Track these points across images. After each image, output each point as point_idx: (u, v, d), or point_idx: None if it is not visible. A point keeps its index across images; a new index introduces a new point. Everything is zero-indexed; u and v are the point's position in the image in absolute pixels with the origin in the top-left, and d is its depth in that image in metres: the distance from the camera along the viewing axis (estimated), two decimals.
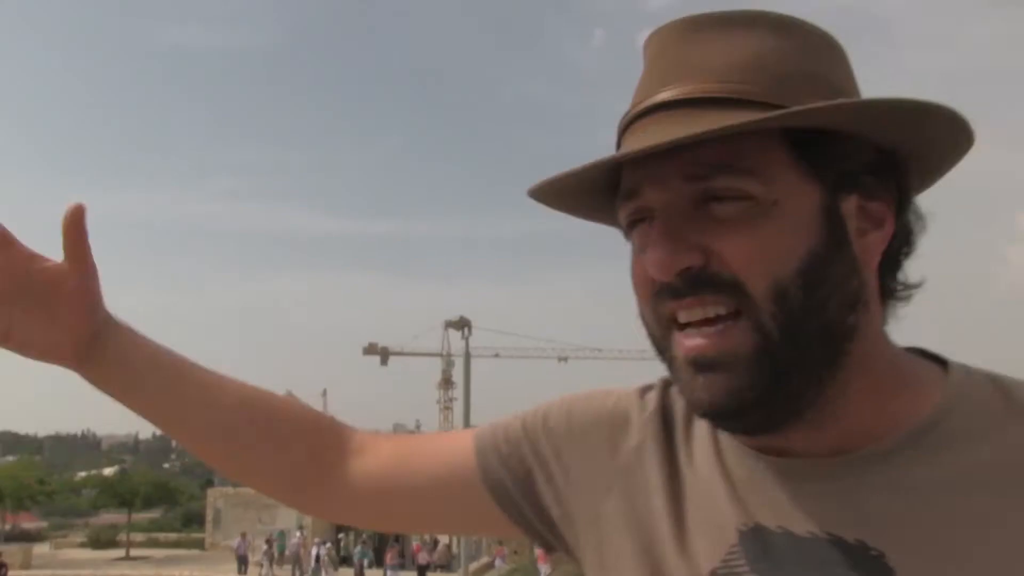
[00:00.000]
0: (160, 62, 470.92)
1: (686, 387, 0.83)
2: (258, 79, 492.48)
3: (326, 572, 34.27)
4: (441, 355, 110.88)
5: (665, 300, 0.83)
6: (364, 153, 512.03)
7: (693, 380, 0.81)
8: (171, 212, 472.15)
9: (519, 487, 1.01)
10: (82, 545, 51.26)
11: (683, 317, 0.82)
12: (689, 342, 0.81)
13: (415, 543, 39.88)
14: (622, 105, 0.89)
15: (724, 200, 0.79)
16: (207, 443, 1.15)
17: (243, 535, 38.27)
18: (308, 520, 44.26)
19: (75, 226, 1.02)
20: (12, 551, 42.58)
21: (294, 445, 1.13)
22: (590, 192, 0.90)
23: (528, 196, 0.91)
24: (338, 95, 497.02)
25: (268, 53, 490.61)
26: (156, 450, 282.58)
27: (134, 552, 45.73)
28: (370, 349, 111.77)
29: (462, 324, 20.72)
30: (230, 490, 53.22)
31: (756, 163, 0.79)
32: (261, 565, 36.82)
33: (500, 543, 37.89)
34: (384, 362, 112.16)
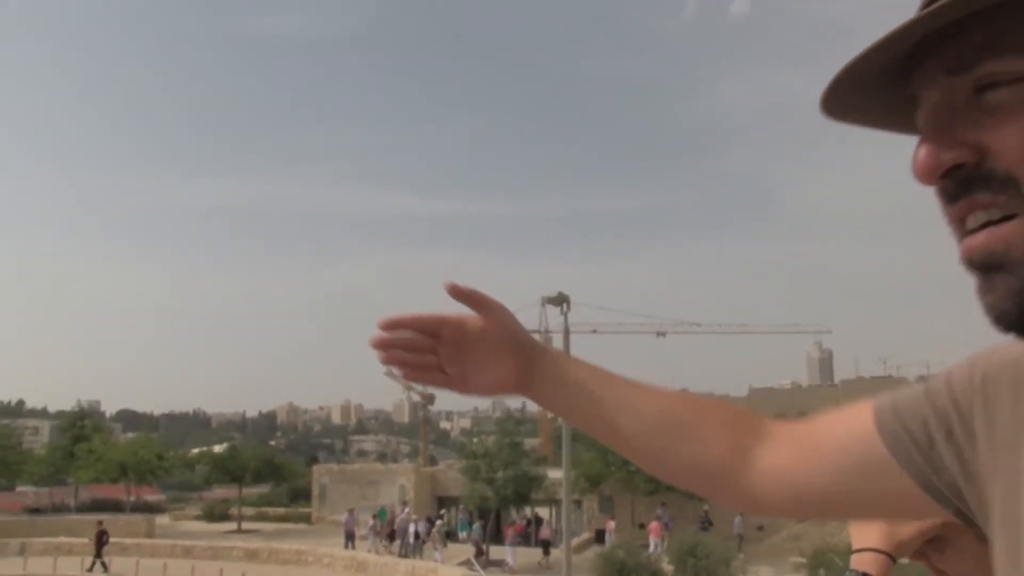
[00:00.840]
0: (254, 51, 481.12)
1: (978, 295, 0.76)
2: (347, 65, 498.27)
3: (435, 547, 34.88)
4: (539, 331, 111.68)
5: (944, 207, 0.77)
6: (455, 133, 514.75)
7: (979, 285, 0.75)
8: (273, 196, 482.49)
9: (920, 447, 0.95)
10: (197, 518, 53.30)
11: (970, 223, 0.75)
12: (964, 243, 0.75)
13: (517, 522, 40.56)
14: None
15: (996, 87, 0.71)
16: (635, 445, 1.22)
17: (351, 511, 38.90)
18: (411, 496, 45.48)
19: (459, 294, 1.24)
20: (137, 521, 44.85)
21: (711, 439, 1.16)
22: (887, 106, 0.83)
23: (824, 113, 0.83)
24: (426, 77, 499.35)
25: (357, 38, 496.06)
26: (262, 428, 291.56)
27: (245, 525, 47.34)
28: None
29: (560, 300, 20.75)
30: (334, 467, 54.94)
31: None
32: (366, 539, 37.81)
33: (612, 516, 38.21)
34: None
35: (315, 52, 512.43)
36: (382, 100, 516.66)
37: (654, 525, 37.15)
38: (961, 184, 0.74)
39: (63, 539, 40.79)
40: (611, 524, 37.56)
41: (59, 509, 54.26)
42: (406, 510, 40.24)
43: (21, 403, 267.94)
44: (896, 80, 0.79)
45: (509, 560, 34.00)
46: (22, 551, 38.56)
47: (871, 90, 0.80)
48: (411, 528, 36.59)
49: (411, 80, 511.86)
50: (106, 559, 34.74)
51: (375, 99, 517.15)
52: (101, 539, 35.35)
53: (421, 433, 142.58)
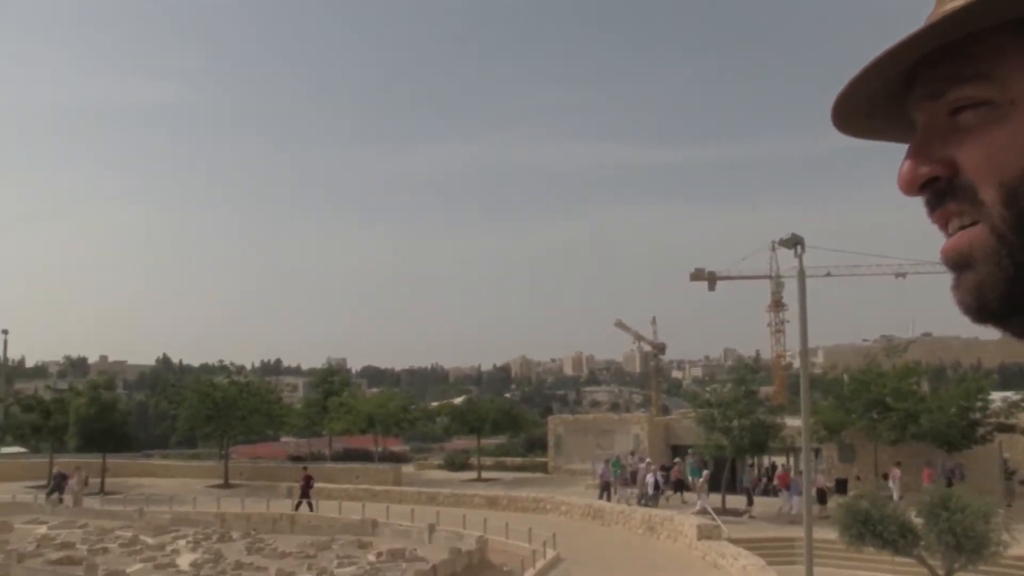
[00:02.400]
0: (455, 16, 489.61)
1: (951, 290, 0.85)
2: (554, 21, 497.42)
3: (700, 496, 34.58)
4: (770, 277, 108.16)
5: (928, 215, 0.87)
6: (668, 83, 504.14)
7: (952, 282, 0.84)
8: (490, 158, 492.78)
9: None
10: (439, 467, 55.83)
11: (950, 229, 0.85)
12: (942, 246, 0.85)
13: (780, 471, 39.61)
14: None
15: (964, 110, 0.80)
16: None
17: (606, 462, 38.88)
18: (645, 445, 45.54)
19: None
20: (385, 470, 47.68)
21: None
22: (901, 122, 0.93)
23: (836, 128, 0.94)
24: (634, 28, 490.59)
25: None
26: (497, 381, 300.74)
27: (484, 474, 49.10)
28: (697, 275, 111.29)
29: (794, 242, 19.65)
30: (569, 417, 55.88)
31: (991, 66, 0.78)
32: (604, 489, 38.07)
33: (897, 464, 36.54)
34: (711, 287, 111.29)
35: (524, 11, 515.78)
36: (591, 55, 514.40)
37: (895, 472, 35.36)
38: (937, 195, 0.84)
39: (321, 484, 43.95)
40: (896, 471, 35.45)
41: (316, 458, 58.46)
42: (647, 460, 40.25)
43: (279, 362, 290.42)
44: (901, 102, 0.89)
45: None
46: (289, 493, 42.06)
47: (882, 109, 0.91)
48: (649, 478, 36.52)
49: (619, 33, 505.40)
50: (312, 500, 37.93)
51: (584, 55, 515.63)
52: (308, 483, 38.77)
53: (652, 382, 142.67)
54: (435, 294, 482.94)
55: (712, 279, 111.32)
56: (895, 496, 33.18)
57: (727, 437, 35.27)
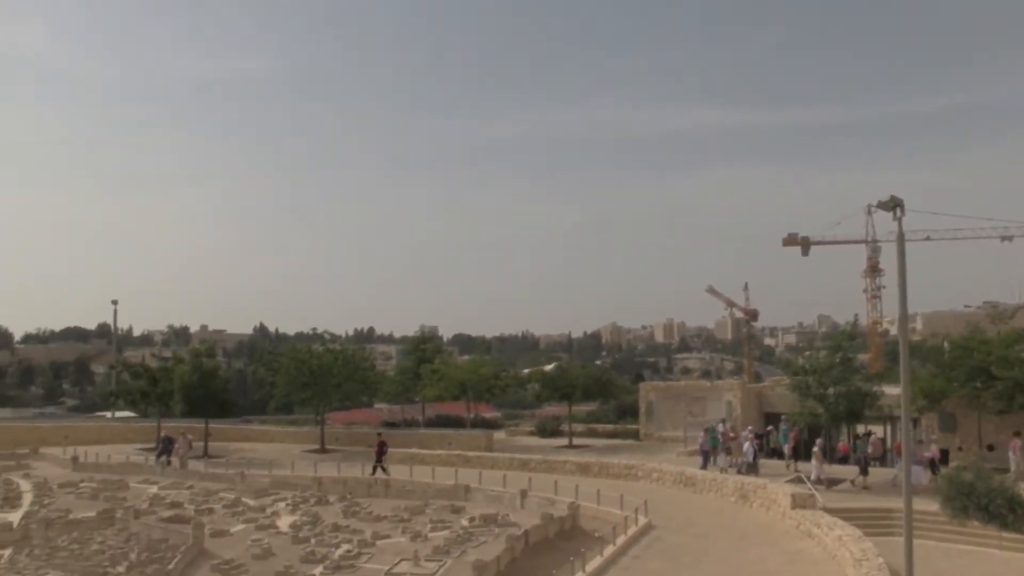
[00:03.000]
0: None
1: None
2: None
3: (816, 464, 33.80)
4: (866, 241, 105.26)
5: None
6: (766, 44, 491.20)
7: None
8: (582, 123, 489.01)
9: None
10: (530, 433, 56.20)
11: None
12: None
13: (842, 443, 38.93)
14: None
15: None
16: None
17: (705, 431, 38.31)
18: (738, 412, 45.07)
19: None
20: (477, 436, 48.24)
21: None
22: None
23: None
24: None
25: None
26: (588, 348, 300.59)
27: (576, 441, 49.20)
28: (790, 240, 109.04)
29: (893, 204, 18.91)
30: (660, 384, 55.51)
31: None
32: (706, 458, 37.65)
33: (1016, 433, 35.21)
34: (805, 252, 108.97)
35: None
36: (688, 14, 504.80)
37: (1015, 442, 33.91)
38: None
39: (415, 450, 44.79)
40: (1016, 442, 33.97)
41: (410, 424, 59.50)
42: (749, 428, 39.72)
43: (371, 330, 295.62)
44: None
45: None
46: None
47: None
48: (747, 446, 35.99)
49: None
50: (386, 465, 38.67)
51: (680, 14, 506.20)
52: (382, 448, 39.64)
53: (745, 349, 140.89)
54: (524, 261, 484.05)
55: (806, 244, 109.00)
56: (1013, 467, 32.12)
57: (822, 405, 34.59)
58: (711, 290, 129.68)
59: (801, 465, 35.27)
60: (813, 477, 32.69)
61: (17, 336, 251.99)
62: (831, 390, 34.33)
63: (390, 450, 40.42)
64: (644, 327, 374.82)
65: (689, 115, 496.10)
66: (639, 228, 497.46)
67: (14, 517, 30.71)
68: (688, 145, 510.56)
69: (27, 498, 34.28)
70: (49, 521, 28.76)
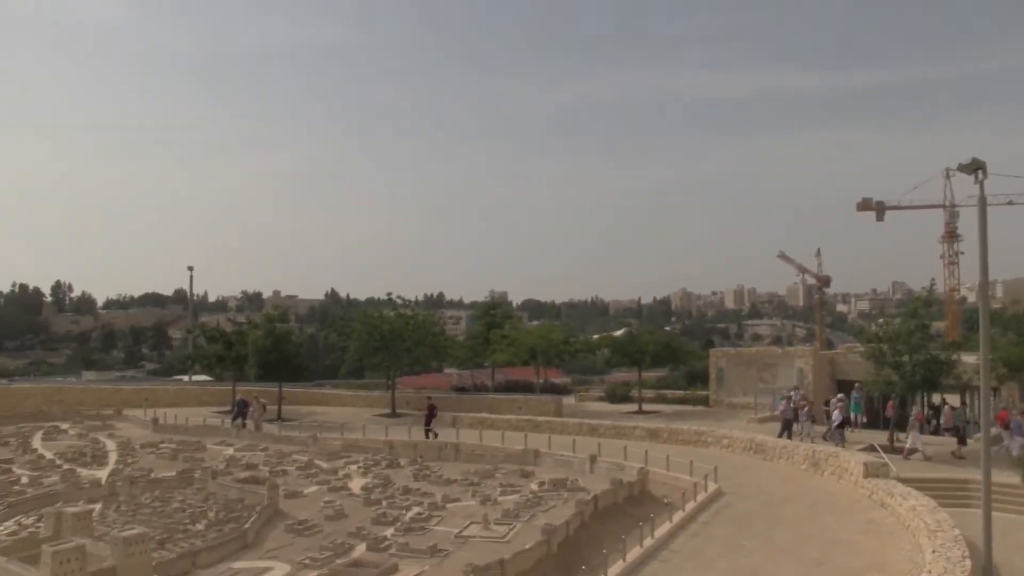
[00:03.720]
0: None
1: None
2: None
3: (912, 433, 32.99)
4: (943, 206, 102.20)
5: None
6: (825, 6, 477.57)
7: None
8: (649, 88, 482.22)
9: None
10: (600, 399, 56.21)
11: None
12: None
13: (917, 412, 38.10)
14: None
15: None
16: None
17: (787, 399, 37.64)
18: (809, 379, 44.44)
19: None
20: (546, 401, 48.42)
21: None
22: None
23: None
24: None
25: None
26: (657, 314, 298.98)
27: (645, 406, 49.09)
28: (864, 205, 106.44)
29: (975, 167, 18.25)
30: (731, 350, 54.94)
31: None
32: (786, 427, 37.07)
33: (1005, 407, 34.45)
34: (880, 217, 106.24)
35: None
36: None
37: None
38: None
39: (484, 415, 45.15)
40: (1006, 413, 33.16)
41: (479, 389, 59.97)
42: (839, 395, 38.97)
43: (441, 295, 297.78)
44: None
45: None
46: (454, 423, 43.45)
47: None
48: (836, 415, 35.11)
49: None
50: (434, 429, 39.52)
51: None
52: (431, 412, 40.54)
53: (816, 316, 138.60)
54: (594, 227, 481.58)
55: (881, 209, 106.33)
56: None
57: (897, 373, 33.89)
58: (782, 256, 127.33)
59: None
60: (909, 444, 32.10)
61: (100, 302, 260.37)
62: (906, 358, 33.59)
63: (460, 415, 40.83)
64: (714, 293, 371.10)
65: (762, 78, 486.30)
66: (710, 193, 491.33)
67: (102, 474, 31.96)
68: (761, 109, 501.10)
69: (112, 457, 35.53)
70: (133, 479, 29.77)
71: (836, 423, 34.77)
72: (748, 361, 49.40)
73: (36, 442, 38.70)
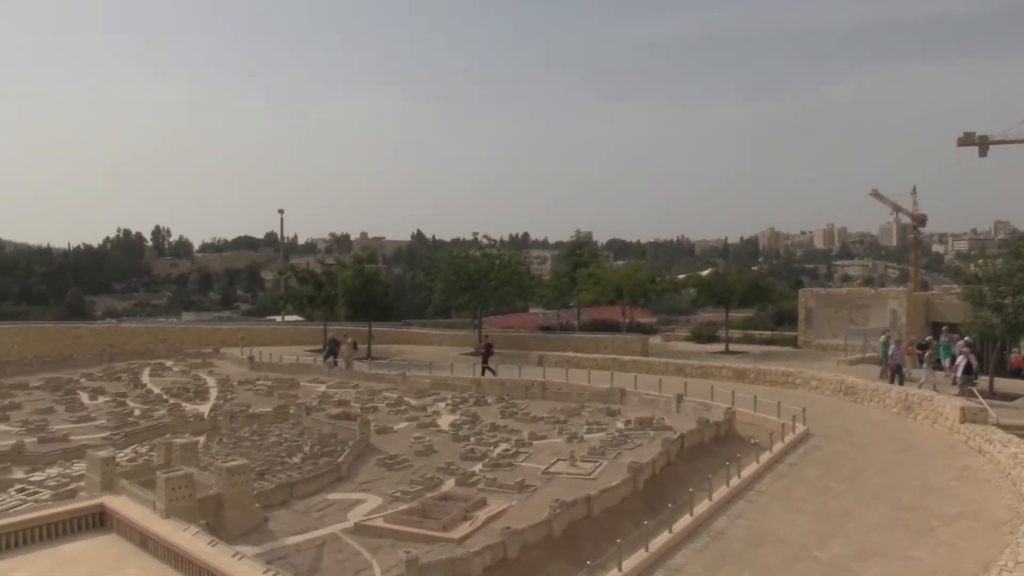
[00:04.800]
0: None
1: None
2: None
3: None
4: None
5: None
6: None
7: None
8: (738, 21, 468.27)
9: None
10: (686, 339, 55.95)
11: None
12: None
13: (1015, 355, 37.00)
14: None
15: None
16: None
17: (897, 342, 36.18)
18: (903, 321, 43.47)
19: None
20: (632, 340, 48.43)
21: None
22: None
23: None
24: None
25: None
26: (744, 254, 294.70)
27: (732, 347, 48.73)
28: (966, 140, 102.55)
29: None
30: (820, 290, 53.94)
31: None
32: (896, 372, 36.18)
33: None
34: (983, 153, 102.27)
35: None
36: None
37: None
38: None
39: (570, 354, 45.44)
40: None
41: (565, 328, 60.24)
42: (965, 338, 37.76)
43: (526, 235, 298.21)
44: None
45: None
46: (540, 362, 43.87)
47: None
48: (961, 360, 32.76)
49: None
50: (492, 367, 40.50)
51: None
52: (488, 350, 41.45)
53: (911, 256, 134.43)
54: (680, 165, 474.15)
55: (984, 144, 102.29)
56: None
57: (998, 315, 32.83)
58: (875, 194, 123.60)
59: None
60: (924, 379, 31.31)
61: (196, 246, 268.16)
62: (1008, 300, 32.49)
63: (546, 353, 41.16)
64: (803, 233, 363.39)
65: (860, 9, 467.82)
66: (800, 130, 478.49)
67: (204, 409, 33.36)
68: (854, 41, 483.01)
69: (213, 393, 36.96)
70: (232, 414, 30.97)
71: (962, 368, 33.16)
72: (838, 302, 48.50)
73: (145, 378, 40.50)
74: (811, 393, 34.87)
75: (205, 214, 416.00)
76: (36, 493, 22.47)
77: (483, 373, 39.78)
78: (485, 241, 55.33)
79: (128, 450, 26.74)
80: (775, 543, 18.49)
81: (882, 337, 37.12)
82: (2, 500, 21.78)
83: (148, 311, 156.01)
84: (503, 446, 26.44)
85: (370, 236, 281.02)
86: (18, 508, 20.56)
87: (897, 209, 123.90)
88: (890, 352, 35.94)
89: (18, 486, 23.24)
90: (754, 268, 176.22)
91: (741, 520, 20.06)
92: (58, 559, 17.54)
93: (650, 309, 72.26)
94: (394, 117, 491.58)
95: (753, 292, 49.96)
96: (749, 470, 23.06)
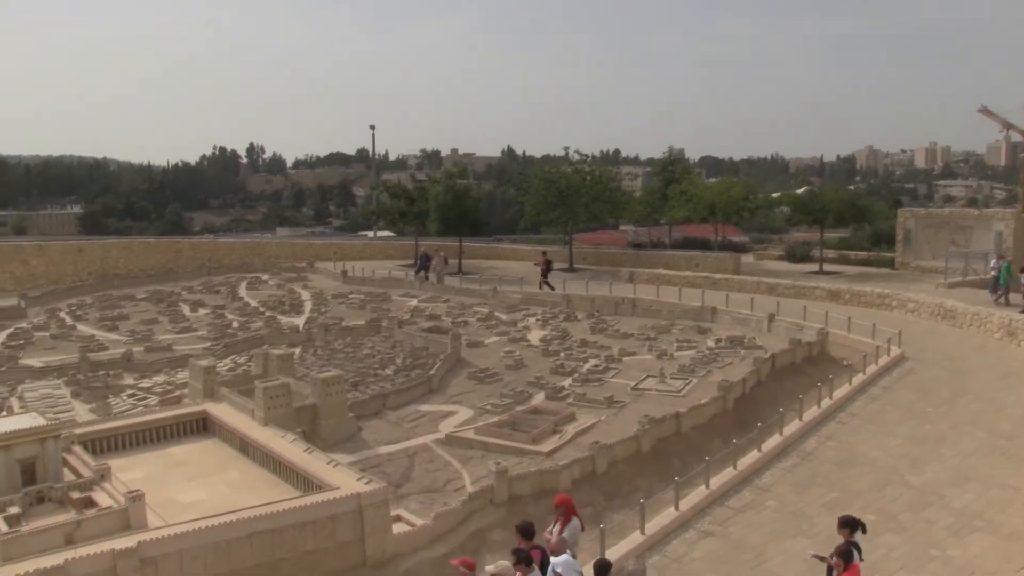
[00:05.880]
0: None
1: None
2: None
3: None
4: None
5: None
6: None
7: None
8: None
9: None
10: (779, 258, 54.87)
11: None
12: None
13: None
14: None
15: None
16: None
17: (1000, 256, 34.41)
18: (1009, 244, 41.81)
19: None
20: (724, 258, 47.78)
21: None
22: None
23: None
24: None
25: None
26: (840, 172, 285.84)
27: (826, 267, 47.62)
28: None
29: None
30: (921, 211, 52.10)
31: None
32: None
33: None
34: None
35: None
36: None
37: None
38: None
39: (661, 271, 45.16)
40: None
41: (656, 245, 59.72)
42: (995, 260, 36.45)
43: (617, 152, 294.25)
44: None
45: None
46: (631, 279, 43.80)
47: None
48: None
49: None
50: (550, 282, 41.01)
51: None
52: (547, 266, 42.06)
53: (1020, 177, 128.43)
54: (774, 80, 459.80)
55: None
56: None
57: None
58: (984, 110, 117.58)
59: None
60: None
61: (289, 162, 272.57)
62: None
63: (637, 270, 40.94)
64: (904, 151, 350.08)
65: None
66: (904, 43, 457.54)
67: (299, 321, 34.34)
68: None
69: (307, 306, 37.95)
70: (327, 326, 31.81)
71: None
72: (940, 222, 46.80)
73: (242, 291, 41.76)
74: (908, 316, 34.05)
75: (298, 131, 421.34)
76: (145, 399, 23.61)
77: (541, 288, 40.34)
78: (577, 157, 54.81)
79: (227, 360, 27.78)
80: (866, 466, 18.35)
81: (1003, 262, 34.94)
82: (116, 404, 22.96)
83: (243, 227, 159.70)
84: (593, 362, 26.64)
85: (460, 152, 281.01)
86: (130, 412, 21.65)
87: (1008, 126, 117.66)
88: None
89: (129, 391, 24.45)
90: (851, 187, 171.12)
91: (831, 442, 19.93)
92: (167, 460, 18.48)
93: (742, 227, 70.78)
94: (485, 30, 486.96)
95: (850, 211, 48.48)
96: (841, 392, 22.80)
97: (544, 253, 45.87)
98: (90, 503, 14.87)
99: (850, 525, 10.86)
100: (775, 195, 66.14)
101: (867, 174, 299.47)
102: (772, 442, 19.34)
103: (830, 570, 10.66)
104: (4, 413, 20.83)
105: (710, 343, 28.59)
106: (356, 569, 14.47)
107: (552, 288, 40.28)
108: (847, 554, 10.27)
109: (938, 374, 25.18)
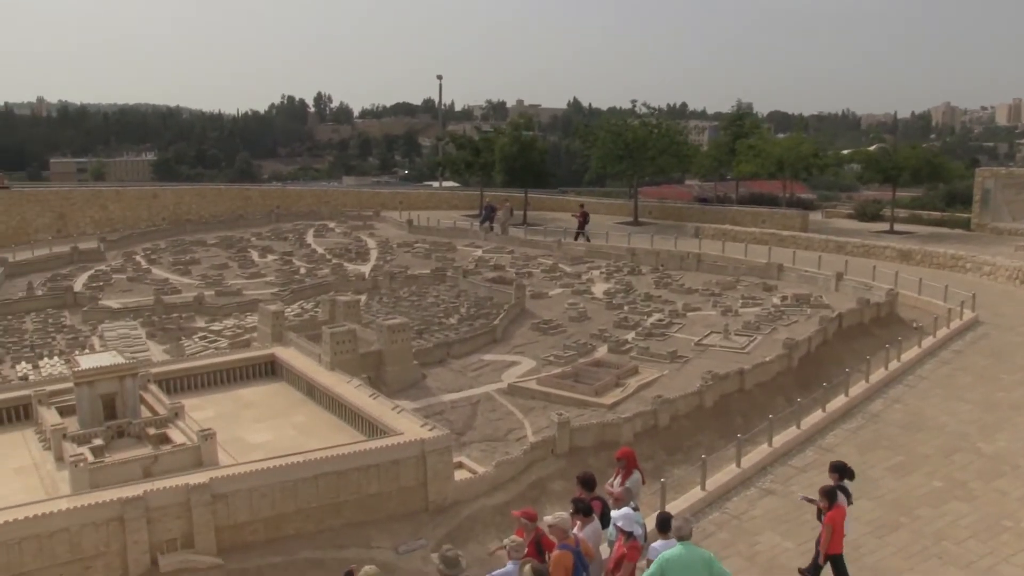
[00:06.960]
0: None
1: None
2: None
3: None
4: None
5: None
6: None
7: None
8: None
9: None
10: (848, 216, 53.84)
11: None
12: None
13: None
14: None
15: None
16: None
17: None
18: None
19: None
20: (792, 216, 47.04)
21: None
22: None
23: None
24: None
25: None
26: (915, 130, 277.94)
27: (897, 227, 46.55)
28: None
29: None
30: (1002, 170, 50.47)
31: None
32: None
33: None
34: None
35: None
36: None
37: None
38: None
39: (727, 226, 44.66)
40: None
41: (722, 200, 58.96)
42: None
43: (684, 106, 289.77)
44: None
45: None
46: (696, 234, 43.38)
47: None
48: None
49: None
50: (586, 234, 41.97)
51: None
52: (584, 218, 42.87)
53: None
54: (846, 32, 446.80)
55: None
56: None
57: None
58: None
59: None
60: None
61: (356, 112, 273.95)
62: None
63: (702, 225, 40.58)
64: (984, 108, 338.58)
65: None
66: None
67: (365, 269, 34.77)
68: None
69: (373, 254, 38.33)
70: (392, 275, 32.16)
71: None
72: (1021, 183, 45.36)
73: (309, 238, 42.29)
74: (983, 279, 33.24)
75: (365, 81, 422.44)
76: (215, 341, 24.21)
77: (576, 239, 40.90)
78: (644, 110, 54.14)
79: (295, 305, 28.28)
80: (934, 430, 18.10)
81: None
82: (188, 346, 23.60)
83: (311, 175, 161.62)
84: (656, 316, 26.57)
85: (526, 104, 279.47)
86: (201, 353, 22.24)
87: None
88: None
89: (200, 334, 25.09)
90: (924, 145, 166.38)
91: (898, 404, 19.68)
92: (237, 401, 18.99)
93: (811, 184, 69.38)
94: None
95: (925, 169, 47.14)
96: (910, 354, 22.45)
97: (582, 205, 46.05)
98: (165, 439, 15.48)
99: (840, 470, 12.11)
100: (845, 152, 64.68)
101: (943, 131, 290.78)
102: (837, 402, 19.17)
103: (820, 512, 11.57)
104: (87, 351, 21.59)
105: (775, 300, 28.25)
106: (418, 514, 14.77)
107: (588, 239, 41.00)
108: (831, 494, 11.26)
109: (1014, 339, 24.62)
